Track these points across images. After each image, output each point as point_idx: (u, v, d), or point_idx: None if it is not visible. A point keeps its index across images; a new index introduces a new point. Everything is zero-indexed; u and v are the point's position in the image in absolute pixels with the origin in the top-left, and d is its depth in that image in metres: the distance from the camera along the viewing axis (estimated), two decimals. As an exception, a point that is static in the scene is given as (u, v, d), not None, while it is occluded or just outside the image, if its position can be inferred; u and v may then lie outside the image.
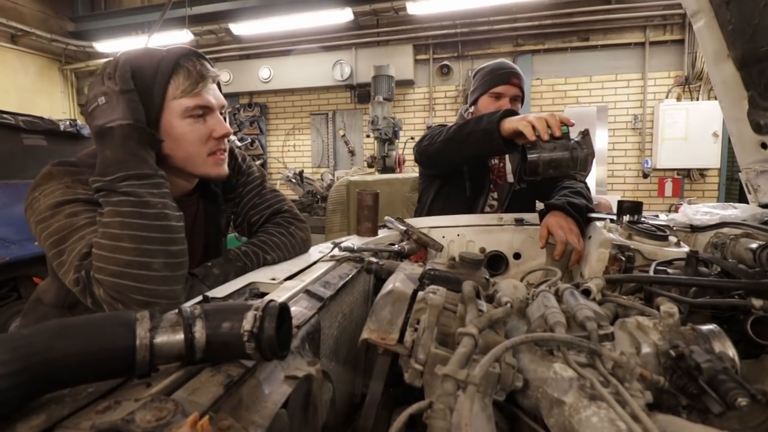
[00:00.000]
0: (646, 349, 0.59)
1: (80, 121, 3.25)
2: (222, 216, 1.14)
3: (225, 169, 1.00)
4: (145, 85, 0.86)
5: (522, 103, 1.79)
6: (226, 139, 0.98)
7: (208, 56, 0.97)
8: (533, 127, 1.21)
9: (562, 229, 1.31)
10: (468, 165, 1.74)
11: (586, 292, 0.73)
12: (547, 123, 1.19)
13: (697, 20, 1.30)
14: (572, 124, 1.19)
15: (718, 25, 1.24)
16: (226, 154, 1.01)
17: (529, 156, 1.19)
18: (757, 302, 0.71)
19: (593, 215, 1.46)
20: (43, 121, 2.99)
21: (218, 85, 0.98)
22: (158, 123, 0.89)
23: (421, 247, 1.34)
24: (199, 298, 0.72)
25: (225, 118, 0.99)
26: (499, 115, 1.32)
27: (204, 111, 0.92)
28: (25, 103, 6.86)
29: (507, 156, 1.77)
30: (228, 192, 1.16)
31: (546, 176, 1.20)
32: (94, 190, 0.81)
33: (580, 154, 1.15)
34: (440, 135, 1.54)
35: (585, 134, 1.18)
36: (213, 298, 0.74)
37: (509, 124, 1.28)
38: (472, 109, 1.83)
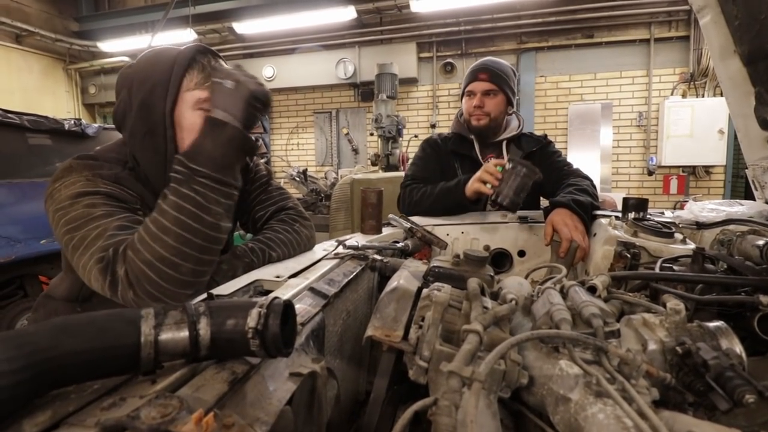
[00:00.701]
0: (652, 345, 0.59)
1: (85, 121, 3.26)
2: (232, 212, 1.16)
3: None
4: (163, 76, 0.91)
5: (507, 95, 1.75)
6: None
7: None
8: (485, 183, 1.45)
9: (567, 226, 1.31)
10: (461, 167, 1.77)
11: (592, 289, 0.72)
12: (489, 174, 1.42)
13: (704, 16, 1.28)
14: (504, 163, 1.40)
15: (725, 20, 1.23)
16: None
17: (500, 202, 1.39)
18: (765, 299, 0.70)
19: (598, 212, 1.45)
20: (48, 121, 3.01)
21: None
22: (172, 113, 0.92)
23: (425, 244, 1.34)
24: (204, 295, 0.72)
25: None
26: (460, 186, 1.52)
27: None
28: (29, 103, 6.91)
29: (505, 154, 1.77)
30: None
31: (522, 200, 1.39)
32: (175, 163, 0.81)
33: (522, 170, 1.36)
34: (418, 197, 1.65)
35: (513, 162, 1.40)
36: (217, 296, 0.74)
37: (469, 190, 1.50)
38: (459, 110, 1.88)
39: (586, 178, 1.64)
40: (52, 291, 1.07)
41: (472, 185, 1.48)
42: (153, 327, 0.45)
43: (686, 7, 5.16)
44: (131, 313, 0.47)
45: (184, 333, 0.47)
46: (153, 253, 0.76)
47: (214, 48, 1.00)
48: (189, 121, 0.93)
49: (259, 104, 0.87)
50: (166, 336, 0.46)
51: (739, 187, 5.50)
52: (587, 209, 1.38)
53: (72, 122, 3.13)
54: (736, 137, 1.36)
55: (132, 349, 0.44)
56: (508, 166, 1.38)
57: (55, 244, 2.68)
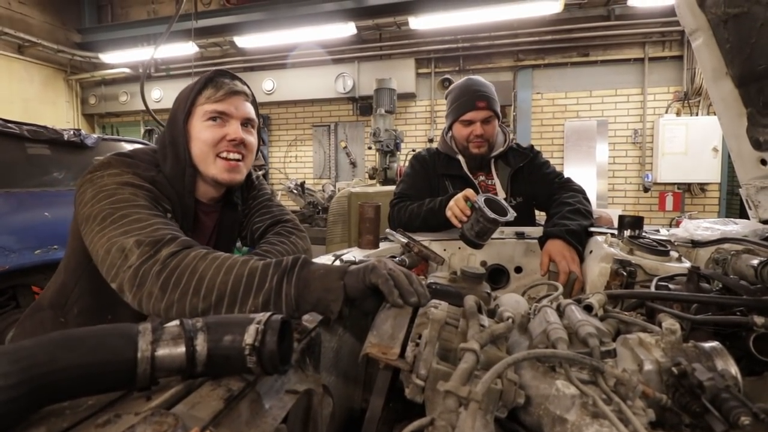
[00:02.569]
0: (648, 366, 0.59)
1: (84, 131, 3.27)
2: (236, 225, 1.21)
3: (236, 177, 1.05)
4: (187, 94, 1.01)
5: (499, 119, 1.78)
6: (243, 146, 1.04)
7: (212, 68, 1.12)
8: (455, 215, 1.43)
9: (565, 259, 1.32)
10: (452, 186, 1.76)
11: (588, 308, 0.72)
12: (459, 210, 1.40)
13: (696, 38, 1.31)
14: (474, 200, 1.35)
15: (716, 43, 1.25)
16: (241, 163, 1.05)
17: (464, 238, 1.37)
18: (759, 319, 0.71)
19: (594, 229, 1.46)
20: (48, 131, 3.01)
21: (253, 103, 1.09)
22: (186, 125, 1.01)
23: (423, 259, 1.34)
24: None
25: (258, 135, 1.11)
26: (442, 209, 1.50)
27: (221, 116, 1.01)
28: (29, 113, 6.93)
29: (494, 171, 1.78)
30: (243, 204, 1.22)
31: (485, 242, 1.37)
32: (291, 260, 0.75)
33: (481, 220, 1.31)
34: (406, 217, 1.66)
35: (476, 208, 1.34)
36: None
37: (447, 213, 1.47)
38: (450, 134, 1.85)
39: (579, 190, 1.65)
40: (41, 299, 1.08)
41: (447, 212, 1.47)
42: (150, 342, 0.45)
43: (679, 28, 5.27)
44: (129, 328, 0.47)
45: (181, 349, 0.46)
46: (181, 290, 0.73)
47: (215, 62, 1.05)
48: (196, 130, 1.00)
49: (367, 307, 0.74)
50: (162, 352, 0.46)
51: (734, 204, 5.54)
52: (581, 238, 1.40)
53: (71, 132, 3.13)
54: (730, 155, 1.38)
55: (128, 365, 0.44)
56: (476, 204, 1.32)
57: (49, 255, 2.66)
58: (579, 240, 1.38)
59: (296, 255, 0.77)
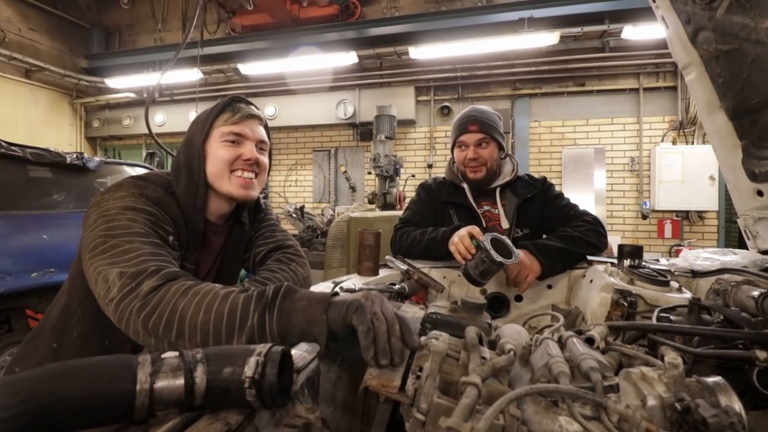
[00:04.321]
0: (651, 401, 0.58)
1: (87, 154, 3.30)
2: (242, 247, 1.23)
3: (251, 193, 1.10)
4: (204, 118, 1.08)
5: (501, 145, 1.76)
6: (257, 165, 1.10)
7: (216, 93, 1.21)
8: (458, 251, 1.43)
9: (521, 263, 1.42)
10: (456, 215, 1.76)
11: (590, 341, 0.72)
12: (463, 247, 1.40)
13: (689, 73, 1.35)
14: (480, 238, 1.36)
15: (709, 78, 1.29)
16: (254, 181, 1.11)
17: (467, 276, 1.37)
18: (762, 354, 0.70)
19: (593, 258, 1.46)
20: (50, 154, 3.04)
21: (266, 127, 1.16)
22: (204, 146, 1.07)
23: (422, 287, 1.34)
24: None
25: (269, 156, 1.18)
26: (444, 241, 1.50)
27: (238, 138, 1.08)
28: (33, 135, 7.01)
29: (499, 202, 1.75)
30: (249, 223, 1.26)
31: (488, 281, 1.39)
32: (274, 288, 0.74)
33: (486, 260, 1.30)
34: (408, 243, 1.66)
35: (481, 248, 1.33)
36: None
37: (449, 244, 1.48)
38: (454, 162, 1.87)
39: (590, 222, 1.62)
40: (42, 323, 1.08)
41: (450, 246, 1.46)
42: (149, 374, 0.45)
43: (673, 60, 5.41)
44: (128, 359, 0.46)
45: (180, 381, 0.46)
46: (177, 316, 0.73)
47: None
48: (213, 149, 1.07)
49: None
50: (161, 384, 0.45)
51: (733, 232, 5.56)
52: (551, 255, 1.46)
53: (74, 156, 3.16)
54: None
55: (127, 396, 0.44)
56: (482, 244, 1.32)
57: (45, 278, 2.64)
58: (547, 255, 1.45)
59: (278, 285, 0.74)
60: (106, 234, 0.86)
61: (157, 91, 7.16)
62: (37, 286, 2.62)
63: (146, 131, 4.25)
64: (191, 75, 6.41)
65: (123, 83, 7.37)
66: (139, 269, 0.79)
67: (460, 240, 1.41)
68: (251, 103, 1.14)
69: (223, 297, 0.73)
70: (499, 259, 1.27)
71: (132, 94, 7.55)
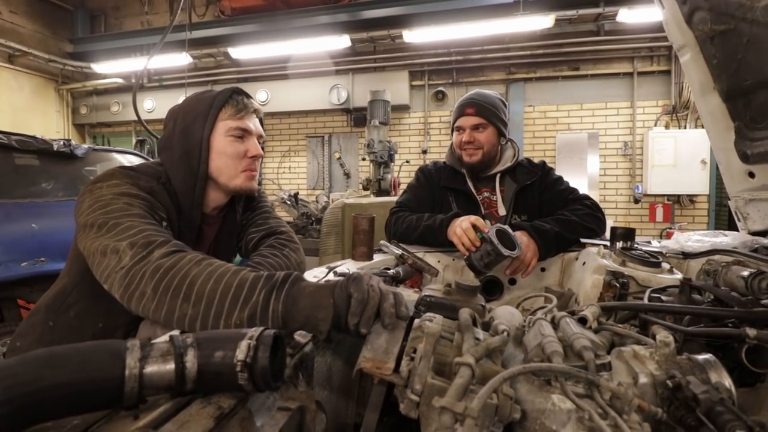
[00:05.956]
0: (643, 379, 0.59)
1: (74, 141, 3.23)
2: (234, 237, 1.24)
3: (254, 184, 1.15)
4: (204, 110, 1.06)
5: (497, 127, 1.71)
6: (257, 162, 1.13)
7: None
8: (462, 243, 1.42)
9: (523, 244, 1.40)
10: (455, 201, 1.75)
11: (583, 321, 0.72)
12: (467, 239, 1.40)
13: (683, 54, 1.34)
14: (486, 230, 1.36)
15: (704, 59, 1.28)
16: (257, 173, 1.15)
17: (472, 266, 1.37)
18: (751, 332, 0.71)
19: (586, 241, 1.47)
20: (37, 141, 2.97)
21: (260, 120, 1.17)
22: (209, 140, 1.06)
23: (417, 271, 1.34)
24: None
25: (263, 148, 1.18)
26: (443, 229, 1.50)
27: (243, 133, 1.09)
28: (18, 122, 6.87)
29: (497, 187, 1.74)
30: (242, 212, 1.27)
31: (487, 271, 1.39)
32: (281, 276, 0.73)
33: (492, 253, 1.31)
34: (403, 228, 1.65)
35: (486, 241, 1.34)
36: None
37: (450, 236, 1.47)
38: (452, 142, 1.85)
39: (589, 206, 1.62)
40: (39, 302, 1.11)
41: (451, 236, 1.46)
42: (138, 359, 0.44)
43: (667, 43, 5.39)
44: (116, 344, 0.46)
45: (170, 366, 0.45)
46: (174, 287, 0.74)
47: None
48: (220, 144, 1.07)
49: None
50: (151, 369, 0.45)
51: (723, 215, 5.62)
52: (548, 239, 1.46)
53: (61, 143, 3.10)
54: (718, 168, 1.40)
55: (116, 383, 0.43)
56: (487, 233, 1.33)
57: (36, 267, 2.61)
58: (544, 239, 1.45)
59: (288, 271, 0.75)
60: (107, 216, 0.86)
61: (144, 76, 7.01)
62: (28, 276, 2.59)
63: (135, 118, 4.18)
64: (180, 59, 6.29)
65: (110, 68, 7.22)
66: (149, 240, 0.81)
67: (464, 232, 1.40)
68: (250, 96, 1.15)
69: (234, 272, 0.74)
70: (507, 252, 1.29)
71: (120, 80, 7.40)
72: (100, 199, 0.90)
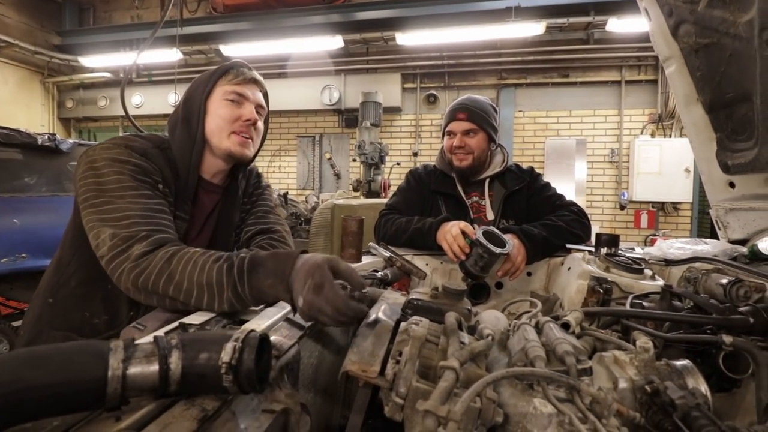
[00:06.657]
0: (623, 384, 0.60)
1: (59, 135, 3.17)
2: (236, 212, 1.24)
3: (247, 151, 1.14)
4: (206, 78, 1.12)
5: (487, 132, 1.72)
6: (253, 128, 1.15)
7: (196, 75, 1.19)
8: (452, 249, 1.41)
9: (514, 248, 1.40)
10: (445, 205, 1.75)
11: (566, 326, 0.73)
12: (457, 246, 1.39)
13: (669, 65, 1.37)
14: (473, 235, 1.36)
15: (688, 71, 1.31)
16: (251, 141, 1.15)
17: (468, 272, 1.36)
18: (728, 339, 0.73)
19: (572, 246, 1.49)
20: (20, 135, 2.91)
21: (265, 95, 1.21)
22: (206, 103, 1.10)
23: (405, 274, 1.34)
24: (176, 324, 0.71)
25: (266, 123, 1.24)
26: (432, 233, 1.50)
27: (239, 98, 1.11)
28: (2, 115, 6.71)
29: (486, 192, 1.75)
30: (244, 196, 1.29)
31: (484, 274, 1.37)
32: (240, 256, 0.81)
33: (484, 255, 1.32)
34: (392, 230, 1.65)
35: (477, 245, 1.34)
36: (189, 325, 0.72)
37: (439, 240, 1.47)
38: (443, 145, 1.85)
39: (575, 212, 1.63)
40: (39, 285, 1.11)
41: (441, 241, 1.46)
42: (122, 360, 0.44)
43: (654, 53, 5.48)
44: (99, 345, 0.45)
45: (154, 367, 0.45)
46: (164, 277, 0.82)
47: (199, 69, 1.09)
48: (214, 106, 1.10)
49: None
50: (134, 370, 0.44)
51: (705, 223, 5.74)
52: (536, 243, 1.46)
53: (46, 137, 3.04)
54: (701, 176, 1.44)
55: (98, 384, 0.43)
56: (476, 236, 1.33)
57: (16, 264, 2.56)
58: (533, 242, 1.45)
59: (241, 257, 0.80)
60: (97, 189, 0.91)
61: (133, 71, 6.92)
62: (8, 272, 2.54)
63: (123, 113, 4.11)
64: (170, 55, 6.21)
65: (98, 62, 7.10)
66: (130, 233, 0.85)
67: (454, 239, 1.40)
68: (253, 70, 1.18)
69: (201, 268, 0.80)
70: (499, 250, 1.29)
71: (108, 74, 7.28)
72: (93, 165, 0.94)
